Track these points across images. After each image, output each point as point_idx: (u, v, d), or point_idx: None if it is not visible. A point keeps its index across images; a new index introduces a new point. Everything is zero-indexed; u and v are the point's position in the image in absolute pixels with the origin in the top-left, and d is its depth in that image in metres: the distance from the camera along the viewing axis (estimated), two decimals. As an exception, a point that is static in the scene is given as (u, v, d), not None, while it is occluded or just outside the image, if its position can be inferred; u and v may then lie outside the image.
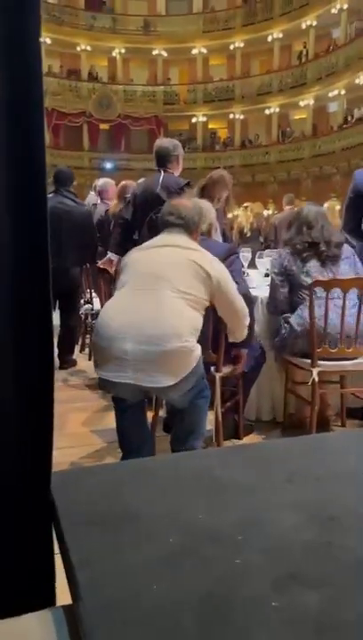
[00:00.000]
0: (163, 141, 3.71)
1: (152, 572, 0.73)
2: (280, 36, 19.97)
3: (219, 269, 2.16)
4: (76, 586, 0.72)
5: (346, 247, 2.64)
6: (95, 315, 4.51)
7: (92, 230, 4.41)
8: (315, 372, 2.32)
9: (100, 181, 5.40)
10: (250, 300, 2.46)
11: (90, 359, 4.63)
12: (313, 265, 2.54)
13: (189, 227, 2.24)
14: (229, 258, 2.46)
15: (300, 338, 2.51)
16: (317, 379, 2.32)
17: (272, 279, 2.69)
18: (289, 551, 0.77)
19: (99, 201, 5.24)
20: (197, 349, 2.02)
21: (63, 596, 0.84)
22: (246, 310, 2.28)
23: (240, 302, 2.23)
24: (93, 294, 4.79)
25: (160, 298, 2.00)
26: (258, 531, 0.83)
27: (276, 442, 1.66)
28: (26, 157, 0.87)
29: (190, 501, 0.93)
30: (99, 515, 0.88)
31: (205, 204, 2.68)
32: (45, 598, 0.92)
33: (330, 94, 18.54)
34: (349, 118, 17.08)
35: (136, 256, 2.24)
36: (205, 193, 3.54)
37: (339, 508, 0.90)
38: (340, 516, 0.87)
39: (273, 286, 2.68)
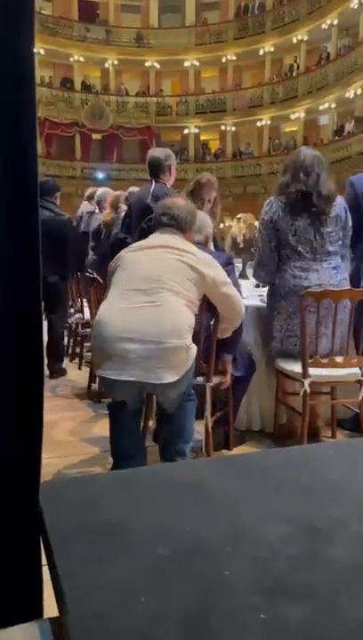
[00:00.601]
0: (155, 151, 3.73)
1: (140, 584, 0.72)
2: (272, 49, 20.22)
3: (212, 267, 2.20)
4: (62, 598, 0.72)
5: (339, 202, 2.61)
6: (86, 324, 4.50)
7: (63, 241, 4.35)
8: (306, 382, 2.32)
9: (100, 190, 5.41)
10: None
11: (80, 369, 4.62)
12: (302, 225, 2.53)
13: (181, 226, 2.27)
14: (226, 268, 2.48)
15: (291, 338, 2.56)
16: (308, 390, 2.33)
17: (260, 232, 2.66)
18: (276, 563, 0.77)
19: (97, 210, 5.24)
20: (194, 348, 2.08)
21: (50, 608, 0.83)
22: (243, 304, 2.36)
23: (238, 297, 2.31)
24: (85, 303, 4.79)
25: (159, 298, 2.04)
26: (245, 542, 0.82)
27: (264, 452, 1.67)
28: (18, 167, 0.87)
29: (178, 513, 0.93)
30: (87, 526, 0.88)
31: (202, 216, 2.69)
32: (32, 610, 0.91)
33: (321, 107, 18.76)
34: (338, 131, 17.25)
35: (130, 257, 2.25)
36: (193, 195, 3.55)
37: (325, 520, 0.90)
38: (326, 527, 0.87)
39: (261, 240, 2.65)
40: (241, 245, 8.38)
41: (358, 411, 2.55)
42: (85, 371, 4.32)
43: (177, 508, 0.95)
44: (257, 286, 3.39)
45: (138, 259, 2.22)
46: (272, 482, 1.05)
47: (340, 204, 2.59)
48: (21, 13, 0.85)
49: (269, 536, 0.84)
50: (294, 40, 19.38)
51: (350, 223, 2.63)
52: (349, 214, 2.62)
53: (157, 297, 2.04)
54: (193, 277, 2.12)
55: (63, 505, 0.94)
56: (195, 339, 2.15)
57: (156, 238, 2.27)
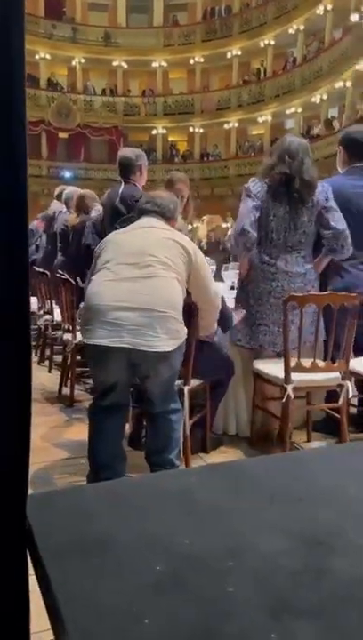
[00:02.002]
0: (125, 151, 3.69)
1: (142, 604, 0.69)
2: (239, 53, 20.38)
3: (197, 250, 2.24)
4: (61, 621, 0.68)
5: (318, 190, 2.61)
6: (56, 326, 4.42)
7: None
8: (289, 388, 2.32)
9: (68, 190, 5.32)
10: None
11: (50, 372, 4.53)
12: (280, 213, 2.55)
13: (165, 214, 2.29)
14: None
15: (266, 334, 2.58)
16: (292, 395, 2.33)
17: (245, 200, 2.63)
18: (280, 578, 0.75)
19: (64, 209, 5.16)
20: (185, 328, 2.10)
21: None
22: (219, 297, 2.38)
23: (215, 286, 2.33)
24: (54, 305, 4.70)
25: (150, 271, 2.05)
26: (247, 556, 0.80)
27: (253, 460, 1.65)
28: (7, 170, 0.83)
29: (173, 525, 0.90)
30: (80, 542, 0.84)
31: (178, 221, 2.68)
32: (20, 636, 0.87)
33: (287, 111, 19.00)
34: (305, 135, 17.47)
35: (116, 237, 2.28)
36: None
37: (326, 532, 0.88)
38: (325, 539, 0.85)
39: (245, 207, 2.61)
40: (205, 248, 8.43)
41: (336, 415, 2.56)
42: (56, 374, 4.24)
43: (171, 520, 0.92)
44: (232, 288, 3.39)
45: (125, 238, 2.24)
46: (265, 491, 1.03)
47: (319, 192, 2.61)
48: (11, 10, 0.81)
49: (269, 550, 0.82)
50: (262, 44, 19.58)
51: (329, 204, 2.62)
52: (329, 196, 2.62)
53: (148, 270, 2.05)
54: (182, 255, 2.14)
55: (53, 519, 0.90)
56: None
57: (140, 223, 2.30)
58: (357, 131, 2.95)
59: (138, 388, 2.25)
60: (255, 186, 2.61)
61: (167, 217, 2.30)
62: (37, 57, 20.50)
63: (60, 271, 4.26)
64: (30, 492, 0.95)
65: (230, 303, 3.00)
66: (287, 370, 2.34)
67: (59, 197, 5.53)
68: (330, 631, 0.65)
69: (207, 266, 2.30)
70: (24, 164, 0.84)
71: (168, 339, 1.99)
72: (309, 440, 2.87)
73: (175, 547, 0.82)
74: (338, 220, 2.58)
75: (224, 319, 2.53)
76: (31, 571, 0.87)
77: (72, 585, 0.73)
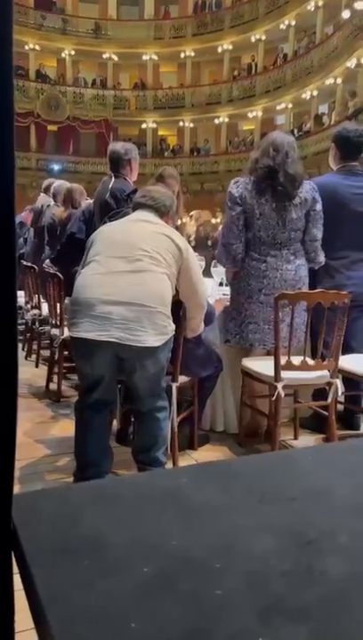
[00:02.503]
0: (115, 145, 3.66)
1: (129, 608, 0.68)
2: (230, 47, 20.32)
3: (189, 248, 2.23)
4: (45, 624, 0.67)
5: (307, 187, 2.60)
6: (44, 320, 4.39)
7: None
8: (279, 386, 2.32)
9: (56, 183, 5.27)
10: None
11: (37, 367, 4.50)
12: (267, 209, 2.55)
13: (160, 209, 2.28)
14: None
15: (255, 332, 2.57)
16: (282, 393, 2.33)
17: (228, 209, 2.62)
18: (270, 579, 0.74)
19: (52, 202, 5.11)
20: (173, 325, 2.09)
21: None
22: (206, 295, 2.36)
23: (203, 284, 2.32)
24: (42, 299, 4.66)
25: (140, 266, 2.04)
26: (236, 557, 0.79)
27: (242, 459, 1.64)
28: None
29: (161, 525, 0.89)
30: (65, 543, 0.82)
31: None
32: (3, 635, 0.85)
33: (278, 107, 19.00)
34: (295, 132, 17.50)
35: (107, 230, 2.27)
36: None
37: (313, 531, 0.87)
38: (317, 539, 0.85)
39: (228, 217, 2.60)
40: (193, 244, 8.42)
41: (324, 412, 2.57)
42: (43, 369, 4.22)
43: (160, 520, 0.90)
44: (221, 285, 3.38)
45: (116, 230, 2.22)
46: (254, 491, 1.02)
47: (308, 190, 2.61)
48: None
49: (258, 550, 0.81)
50: (253, 39, 19.54)
51: (317, 207, 2.62)
52: (318, 199, 2.63)
53: (138, 264, 2.04)
54: (172, 250, 2.13)
55: (39, 520, 0.88)
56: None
57: (134, 216, 2.29)
58: (350, 129, 2.95)
59: (125, 384, 2.23)
60: (238, 188, 2.60)
61: (162, 212, 2.28)
62: (27, 48, 20.29)
63: (47, 265, 4.22)
64: (16, 490, 0.93)
65: (220, 300, 2.99)
66: (277, 368, 2.33)
67: (46, 190, 5.48)
68: (321, 634, 0.64)
69: (198, 264, 2.28)
70: (11, 156, 0.82)
71: (155, 334, 1.97)
72: (296, 437, 2.88)
73: (163, 548, 0.81)
74: (320, 229, 2.61)
75: (207, 314, 2.53)
76: (16, 569, 0.86)
77: (57, 587, 0.72)
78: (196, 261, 2.27)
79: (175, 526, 0.89)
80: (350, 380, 2.81)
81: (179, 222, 4.25)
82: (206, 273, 3.77)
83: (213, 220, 15.40)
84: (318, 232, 2.60)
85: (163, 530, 0.87)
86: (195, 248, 7.31)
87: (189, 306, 2.29)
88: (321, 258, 2.68)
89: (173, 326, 2.10)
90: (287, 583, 0.73)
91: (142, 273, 2.02)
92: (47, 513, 0.92)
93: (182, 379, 2.41)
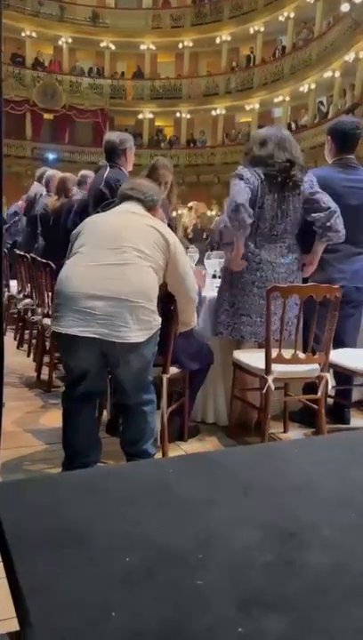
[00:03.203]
0: (111, 135, 3.63)
1: (109, 597, 0.68)
2: (229, 38, 20.17)
3: (177, 242, 2.19)
4: (25, 612, 0.67)
5: (305, 180, 2.61)
6: (36, 309, 4.37)
7: None
8: (270, 379, 2.32)
9: (49, 172, 5.23)
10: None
11: (28, 356, 4.49)
12: (269, 201, 2.55)
13: (148, 202, 2.24)
14: None
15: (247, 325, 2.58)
16: (273, 386, 2.33)
17: (238, 182, 2.56)
18: (251, 571, 0.74)
19: (44, 192, 5.08)
20: (158, 317, 2.05)
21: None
22: (196, 288, 2.32)
23: (192, 277, 2.28)
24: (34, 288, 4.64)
25: (125, 257, 2.00)
26: (217, 549, 0.79)
27: (228, 451, 1.65)
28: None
29: (145, 516, 0.89)
30: (50, 533, 0.82)
31: None
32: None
33: (275, 100, 18.91)
34: (293, 125, 17.46)
35: (94, 220, 2.24)
36: (149, 179, 3.49)
37: (296, 523, 0.88)
38: (298, 531, 0.85)
39: (238, 186, 2.54)
40: (191, 236, 8.38)
41: (314, 405, 2.58)
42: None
43: (143, 511, 0.91)
44: (214, 277, 3.38)
45: (102, 222, 2.20)
46: (239, 483, 1.02)
47: (306, 181, 2.60)
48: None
49: (241, 542, 0.81)
50: (251, 30, 19.39)
51: (314, 191, 2.61)
52: (316, 184, 2.62)
53: (123, 256, 2.00)
54: (159, 241, 2.10)
55: (24, 509, 0.88)
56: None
57: (121, 207, 2.25)
58: (346, 122, 2.93)
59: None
60: (246, 173, 2.58)
61: (149, 206, 2.25)
62: (23, 35, 20.07)
63: (40, 255, 4.20)
64: (0, 479, 0.94)
65: (213, 292, 2.99)
66: (268, 361, 2.34)
67: (40, 179, 5.44)
68: (299, 624, 0.65)
69: (186, 257, 2.25)
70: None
71: (139, 329, 1.94)
72: (285, 430, 2.89)
73: (146, 538, 0.81)
74: (329, 201, 2.58)
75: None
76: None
77: (39, 576, 0.72)
78: (184, 256, 2.24)
79: (159, 517, 0.89)
80: (340, 374, 2.82)
81: (174, 214, 4.23)
82: (201, 264, 3.76)
83: (209, 213, 15.36)
84: (330, 204, 2.56)
85: (146, 521, 0.88)
86: (191, 240, 7.29)
87: (179, 299, 2.28)
88: (342, 230, 2.58)
89: (159, 320, 2.05)
90: (268, 575, 0.73)
91: (127, 266, 1.98)
92: (32, 502, 0.92)
93: (173, 370, 2.41)
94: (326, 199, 2.59)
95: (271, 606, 0.67)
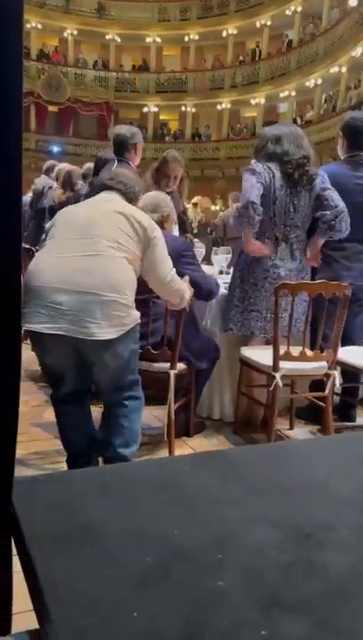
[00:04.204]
0: (121, 128, 3.60)
1: (129, 596, 0.68)
2: (235, 32, 20.05)
3: (156, 229, 2.04)
4: (46, 609, 0.67)
5: (320, 173, 2.61)
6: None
7: None
8: (278, 376, 2.32)
9: (60, 166, 5.22)
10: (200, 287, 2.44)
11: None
12: (282, 193, 2.54)
13: (127, 193, 2.11)
14: (183, 253, 2.43)
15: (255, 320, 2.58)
16: (280, 383, 2.33)
17: (249, 177, 2.53)
18: (271, 572, 0.74)
19: (54, 185, 5.06)
20: (136, 312, 1.90)
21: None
22: (176, 285, 2.12)
23: (166, 265, 2.07)
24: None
25: (96, 247, 1.86)
26: (236, 549, 0.79)
27: (240, 449, 1.64)
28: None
29: (160, 515, 0.89)
30: (64, 529, 0.82)
31: (160, 195, 2.62)
32: (2, 624, 0.86)
33: (281, 95, 18.82)
34: (299, 120, 17.37)
35: (70, 209, 2.14)
36: (159, 173, 3.46)
37: (312, 524, 0.88)
38: (314, 532, 0.85)
39: (249, 182, 2.52)
40: (195, 231, 8.37)
41: (321, 403, 2.57)
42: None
43: (158, 509, 0.91)
44: (220, 273, 3.37)
45: (76, 211, 2.08)
46: (252, 482, 1.02)
47: (320, 175, 2.60)
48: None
49: (257, 542, 0.81)
50: (258, 24, 19.27)
51: (325, 187, 2.60)
52: (325, 180, 2.61)
53: (93, 247, 1.86)
54: (136, 230, 1.95)
55: (40, 506, 0.88)
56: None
57: (98, 197, 2.13)
58: (358, 118, 2.90)
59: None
60: (258, 167, 2.57)
61: (130, 197, 2.12)
62: (28, 26, 19.96)
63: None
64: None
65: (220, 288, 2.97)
66: (276, 358, 2.33)
67: (47, 172, 5.42)
68: (322, 627, 0.64)
69: (165, 244, 2.06)
70: (19, 143, 0.81)
71: (109, 325, 1.80)
72: (291, 427, 2.89)
73: (164, 538, 0.81)
74: (338, 199, 2.57)
75: (205, 295, 2.53)
76: (14, 551, 0.86)
77: (58, 574, 0.72)
78: (163, 245, 2.05)
79: (174, 516, 0.89)
80: (346, 371, 2.81)
81: (182, 208, 4.21)
82: (206, 261, 3.76)
83: (213, 207, 15.33)
84: (337, 202, 2.54)
85: (162, 520, 0.88)
86: (196, 235, 7.28)
87: (154, 287, 2.11)
88: (346, 229, 2.57)
89: (136, 315, 1.90)
90: (288, 576, 0.73)
91: (98, 257, 1.85)
92: (47, 499, 0.92)
93: (180, 366, 2.40)
94: (335, 197, 2.58)
95: (294, 608, 0.67)
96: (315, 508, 0.94)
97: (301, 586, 0.71)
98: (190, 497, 0.96)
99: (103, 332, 1.80)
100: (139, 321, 1.93)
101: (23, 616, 0.94)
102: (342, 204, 2.55)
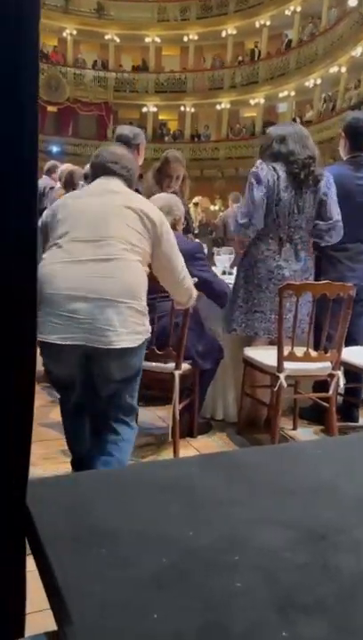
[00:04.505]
0: (123, 129, 3.60)
1: (148, 598, 0.68)
2: (234, 32, 20.06)
3: (163, 217, 1.96)
4: (65, 611, 0.67)
5: (326, 175, 2.62)
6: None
7: None
8: (282, 376, 2.32)
9: (64, 166, 5.23)
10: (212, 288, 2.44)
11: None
12: (287, 194, 2.55)
13: (130, 180, 1.99)
14: (196, 257, 2.45)
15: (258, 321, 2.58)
16: (285, 384, 2.33)
17: (254, 188, 2.57)
18: (287, 573, 0.74)
19: (57, 185, 5.07)
20: (148, 322, 1.83)
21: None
22: (185, 270, 2.06)
23: (179, 258, 2.02)
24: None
25: (109, 251, 1.77)
26: (252, 550, 0.79)
27: (249, 450, 1.64)
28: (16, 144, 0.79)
29: (174, 516, 0.89)
30: (80, 531, 0.83)
31: (172, 198, 2.63)
32: (15, 628, 0.86)
33: (280, 95, 18.83)
34: (297, 120, 17.36)
35: (72, 203, 1.94)
36: (161, 173, 3.47)
37: (325, 526, 0.88)
38: (328, 533, 0.85)
39: (255, 196, 2.56)
40: (196, 231, 8.37)
41: (324, 403, 2.58)
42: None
43: (169, 511, 0.91)
44: (223, 273, 3.37)
45: (82, 207, 1.90)
46: (263, 483, 1.02)
47: (326, 177, 2.61)
48: None
49: (272, 544, 0.81)
50: (257, 24, 19.29)
51: (330, 192, 2.62)
52: (330, 183, 2.62)
53: (107, 250, 1.76)
54: (145, 225, 1.86)
55: (53, 507, 0.88)
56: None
57: (101, 185, 1.95)
58: (359, 118, 2.92)
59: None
60: (263, 171, 2.57)
61: (131, 183, 1.99)
62: (27, 26, 19.93)
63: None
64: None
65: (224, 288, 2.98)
66: (281, 358, 2.34)
67: (48, 173, 5.43)
68: (342, 629, 0.65)
69: (175, 243, 1.99)
70: (34, 144, 0.81)
71: (127, 333, 1.73)
72: (295, 427, 2.89)
73: (178, 539, 0.81)
74: (335, 210, 2.58)
75: (218, 296, 2.52)
76: (28, 551, 0.86)
77: (76, 577, 0.72)
78: (172, 235, 1.98)
79: (187, 517, 0.89)
80: (349, 372, 2.82)
81: (185, 208, 4.21)
82: (209, 261, 3.76)
83: (212, 207, 15.32)
84: (335, 214, 2.58)
85: (175, 521, 0.88)
86: (197, 235, 7.30)
87: (166, 285, 2.06)
88: (336, 239, 2.65)
89: (149, 327, 1.84)
90: (304, 577, 0.74)
91: (113, 261, 1.75)
92: (61, 500, 0.92)
93: (185, 367, 2.41)
94: (333, 207, 2.60)
95: (312, 610, 0.67)
96: (325, 510, 0.94)
97: (317, 587, 0.72)
98: (202, 498, 0.96)
99: (121, 339, 1.72)
100: (149, 335, 1.86)
101: (39, 615, 0.95)
102: (336, 216, 2.58)
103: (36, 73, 0.79)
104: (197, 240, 4.48)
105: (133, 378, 1.88)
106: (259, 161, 2.64)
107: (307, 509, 0.94)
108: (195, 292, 2.18)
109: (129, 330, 1.74)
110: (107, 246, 1.77)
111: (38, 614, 0.77)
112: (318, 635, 0.63)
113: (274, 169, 2.56)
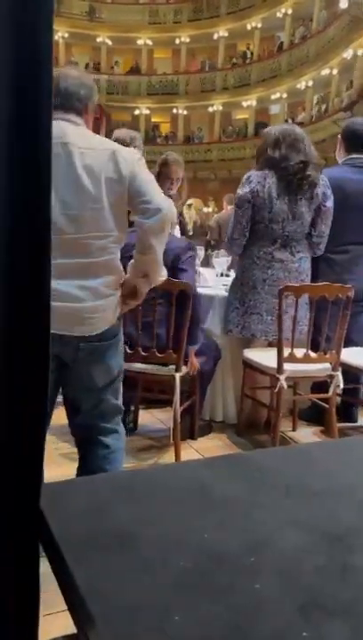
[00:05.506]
0: (120, 132, 3.61)
1: (169, 601, 0.68)
2: (226, 34, 20.12)
3: (134, 157, 1.66)
4: (87, 615, 0.66)
5: (320, 184, 2.63)
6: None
7: None
8: (282, 378, 2.33)
9: None
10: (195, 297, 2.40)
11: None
12: (280, 201, 2.56)
13: (74, 105, 1.62)
14: (186, 254, 2.43)
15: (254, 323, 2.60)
16: (285, 385, 2.34)
17: (236, 207, 2.64)
18: (306, 575, 0.74)
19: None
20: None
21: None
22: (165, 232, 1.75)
23: (158, 191, 1.73)
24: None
25: (86, 250, 1.57)
26: (269, 552, 0.79)
27: (262, 452, 1.64)
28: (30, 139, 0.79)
29: (191, 519, 0.89)
30: (97, 534, 0.82)
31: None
32: (30, 629, 0.85)
33: (272, 97, 18.89)
34: (289, 122, 17.42)
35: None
36: (161, 175, 3.47)
37: (342, 527, 0.88)
38: (345, 535, 0.85)
39: (235, 216, 2.65)
40: (191, 233, 8.38)
41: (324, 404, 2.59)
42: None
43: (188, 513, 0.91)
44: (221, 275, 3.38)
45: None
46: (279, 485, 1.02)
47: (321, 185, 2.62)
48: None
49: (290, 545, 0.81)
50: (249, 27, 19.36)
51: (328, 204, 2.64)
52: (329, 195, 2.64)
53: (84, 250, 1.57)
54: (113, 184, 1.58)
55: (69, 510, 0.88)
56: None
57: (56, 148, 1.50)
58: (357, 122, 2.93)
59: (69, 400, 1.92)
60: (250, 184, 2.59)
61: (79, 108, 1.63)
62: (19, 28, 19.90)
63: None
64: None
65: (219, 290, 2.98)
66: (281, 360, 2.34)
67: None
68: (360, 629, 0.65)
69: (149, 175, 1.71)
70: (48, 143, 0.81)
71: (103, 319, 1.64)
72: (294, 428, 2.90)
73: (196, 542, 0.81)
74: (326, 224, 2.63)
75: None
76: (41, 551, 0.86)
77: (95, 579, 0.72)
78: (144, 167, 1.70)
79: (204, 520, 0.89)
80: (348, 372, 2.83)
81: (179, 210, 4.21)
82: (205, 262, 3.76)
83: (205, 209, 15.33)
84: (326, 229, 2.62)
85: (193, 523, 0.88)
86: (192, 237, 7.29)
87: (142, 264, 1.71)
88: (322, 251, 2.72)
89: (120, 322, 1.73)
90: (324, 579, 0.74)
91: (91, 265, 1.57)
92: (76, 503, 0.91)
93: (184, 369, 2.41)
94: (325, 220, 2.63)
95: (332, 611, 0.67)
96: (343, 512, 0.94)
97: (338, 589, 0.72)
98: (218, 500, 0.96)
99: (100, 325, 1.62)
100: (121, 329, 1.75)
101: (50, 618, 0.94)
102: (326, 230, 2.62)
103: (50, 70, 0.79)
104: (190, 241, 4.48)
105: (115, 370, 1.74)
106: (246, 175, 2.65)
107: (324, 511, 0.94)
108: (158, 276, 1.83)
109: (108, 316, 1.67)
110: (83, 246, 1.60)
111: (46, 618, 0.76)
112: (340, 636, 0.63)
113: (265, 178, 2.57)
